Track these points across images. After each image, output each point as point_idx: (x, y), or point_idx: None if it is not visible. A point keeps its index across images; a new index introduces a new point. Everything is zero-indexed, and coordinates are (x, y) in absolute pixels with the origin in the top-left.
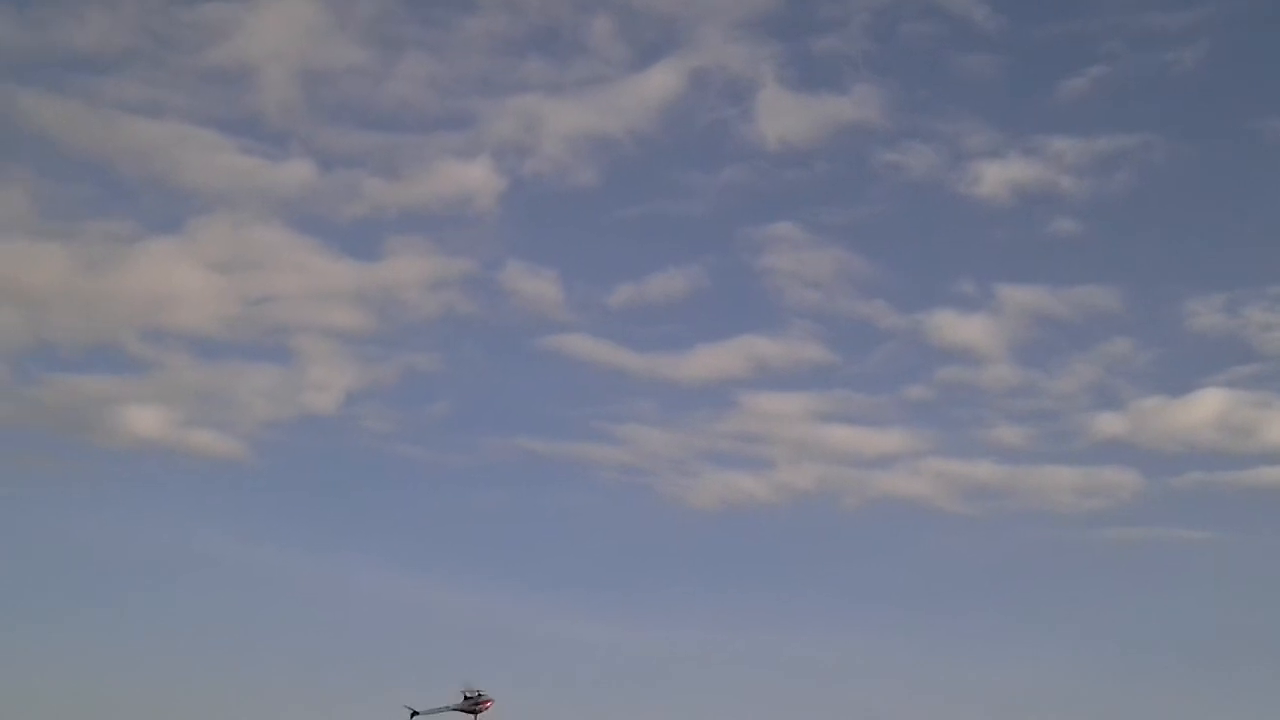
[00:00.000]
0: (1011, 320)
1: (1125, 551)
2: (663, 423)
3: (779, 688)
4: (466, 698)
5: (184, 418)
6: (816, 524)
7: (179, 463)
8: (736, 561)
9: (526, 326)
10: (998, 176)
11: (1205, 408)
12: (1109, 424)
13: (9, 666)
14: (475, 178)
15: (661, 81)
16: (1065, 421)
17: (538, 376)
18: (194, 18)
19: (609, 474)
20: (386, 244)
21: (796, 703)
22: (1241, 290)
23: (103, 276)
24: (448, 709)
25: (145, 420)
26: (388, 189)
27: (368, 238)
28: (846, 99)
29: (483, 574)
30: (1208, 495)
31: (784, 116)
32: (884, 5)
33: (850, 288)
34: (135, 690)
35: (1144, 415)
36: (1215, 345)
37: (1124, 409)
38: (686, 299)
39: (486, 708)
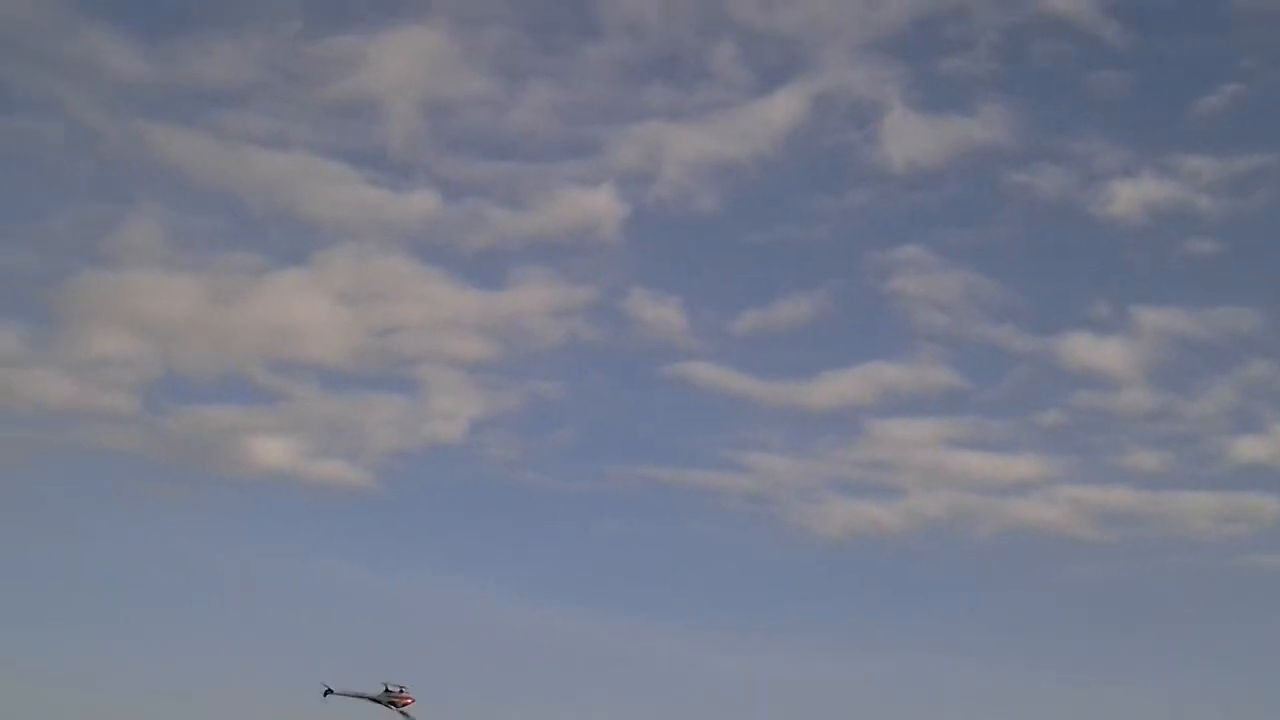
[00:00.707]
0: (1147, 343)
1: (1266, 579)
2: (789, 450)
3: (907, 714)
4: (387, 690)
5: (311, 448)
6: (947, 553)
7: (306, 492)
8: (865, 591)
9: (650, 354)
10: (1131, 196)
11: None
12: (1249, 448)
13: (142, 690)
14: (598, 205)
15: (785, 106)
16: (1203, 446)
17: (662, 404)
18: (320, 51)
19: (734, 502)
20: (510, 273)
21: None
22: None
23: (231, 308)
24: (366, 696)
25: (273, 450)
26: (511, 218)
27: (492, 267)
28: (975, 120)
29: (607, 602)
30: None
31: (911, 139)
32: (1012, 25)
33: (980, 311)
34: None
35: None
36: None
37: (1265, 432)
38: (812, 325)
39: (407, 703)
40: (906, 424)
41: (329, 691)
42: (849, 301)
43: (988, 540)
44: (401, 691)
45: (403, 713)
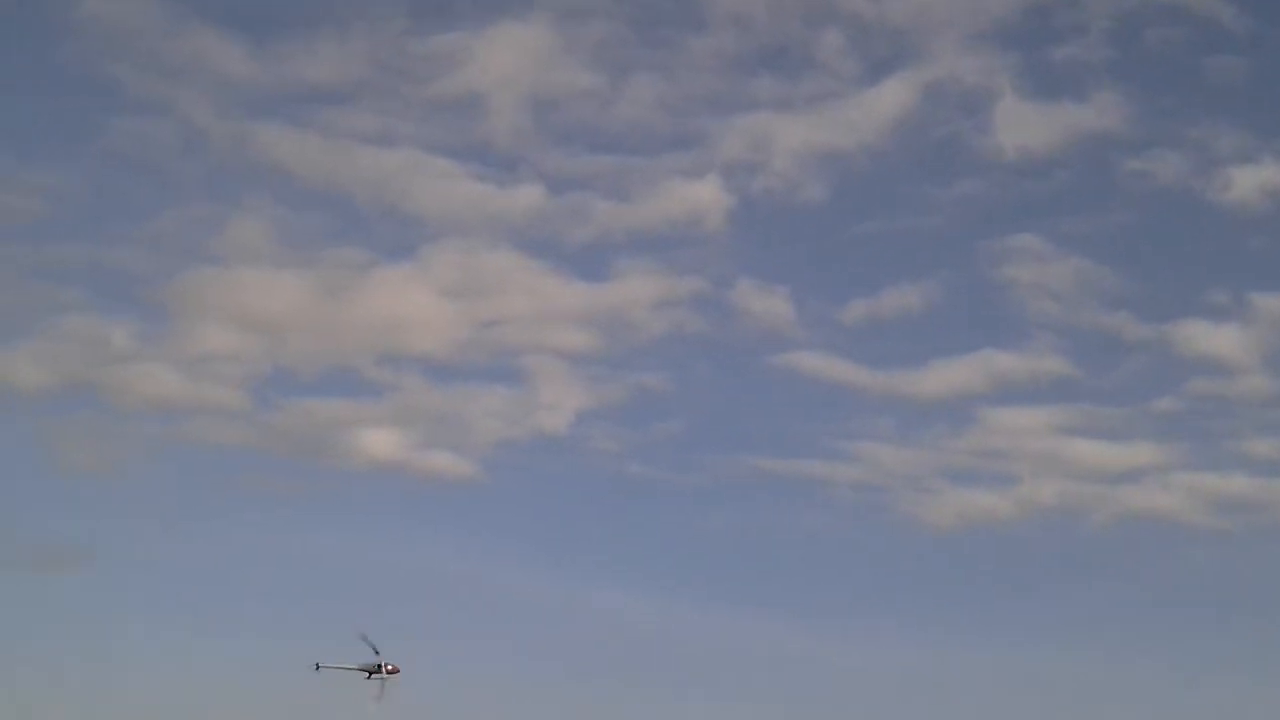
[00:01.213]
0: (1266, 329)
1: None
2: (899, 440)
3: (1023, 708)
4: (376, 651)
5: (418, 439)
6: (1061, 541)
7: (413, 484)
8: (976, 580)
9: (757, 345)
10: (1250, 182)
11: None
12: None
13: (256, 682)
14: (704, 197)
15: (894, 95)
16: None
17: (769, 395)
18: (425, 48)
19: (843, 493)
20: (615, 265)
21: None
22: None
23: (339, 303)
24: (354, 668)
25: (381, 442)
26: (616, 211)
27: (596, 259)
28: (1088, 107)
29: (714, 594)
30: None
31: (1022, 127)
32: (1125, 10)
33: (1094, 299)
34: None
35: None
36: None
37: None
38: (922, 314)
39: (394, 671)
40: (1019, 412)
41: (319, 666)
42: (960, 290)
43: (1102, 529)
44: (390, 665)
45: (382, 680)
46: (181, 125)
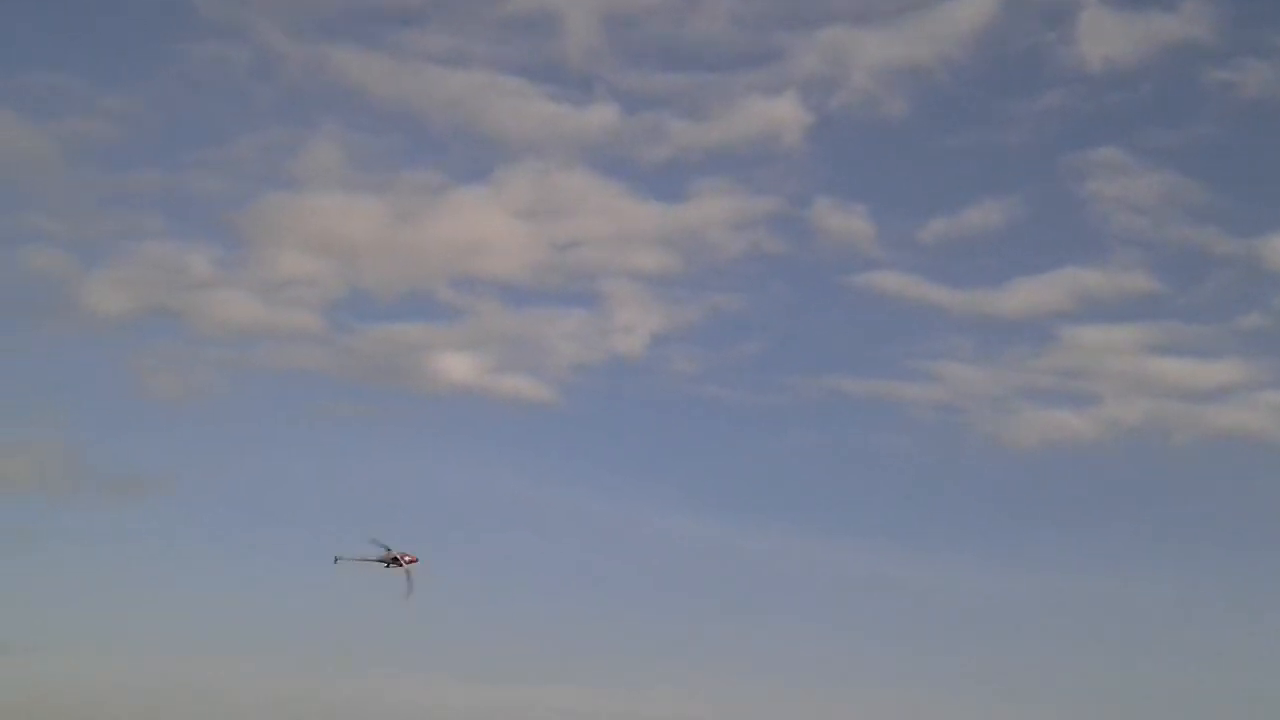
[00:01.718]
0: None
1: None
2: (979, 359)
3: (1104, 630)
4: (389, 550)
5: (494, 363)
6: (1145, 461)
7: (489, 407)
8: (1059, 501)
9: (835, 264)
10: None
11: None
12: None
13: (339, 604)
14: (781, 114)
15: (975, 6)
16: None
17: (848, 314)
18: None
19: (923, 413)
20: (691, 185)
21: (1128, 647)
22: None
23: (413, 226)
24: (370, 559)
25: (457, 366)
26: (692, 129)
27: (672, 179)
28: (1174, 16)
29: (792, 516)
30: None
31: (1107, 37)
32: None
33: (1180, 214)
34: (449, 629)
35: None
36: None
37: None
38: (1004, 231)
39: (412, 561)
40: (1102, 330)
41: (337, 559)
42: (1042, 206)
43: (1186, 447)
44: (405, 555)
45: (407, 571)
46: (255, 49)
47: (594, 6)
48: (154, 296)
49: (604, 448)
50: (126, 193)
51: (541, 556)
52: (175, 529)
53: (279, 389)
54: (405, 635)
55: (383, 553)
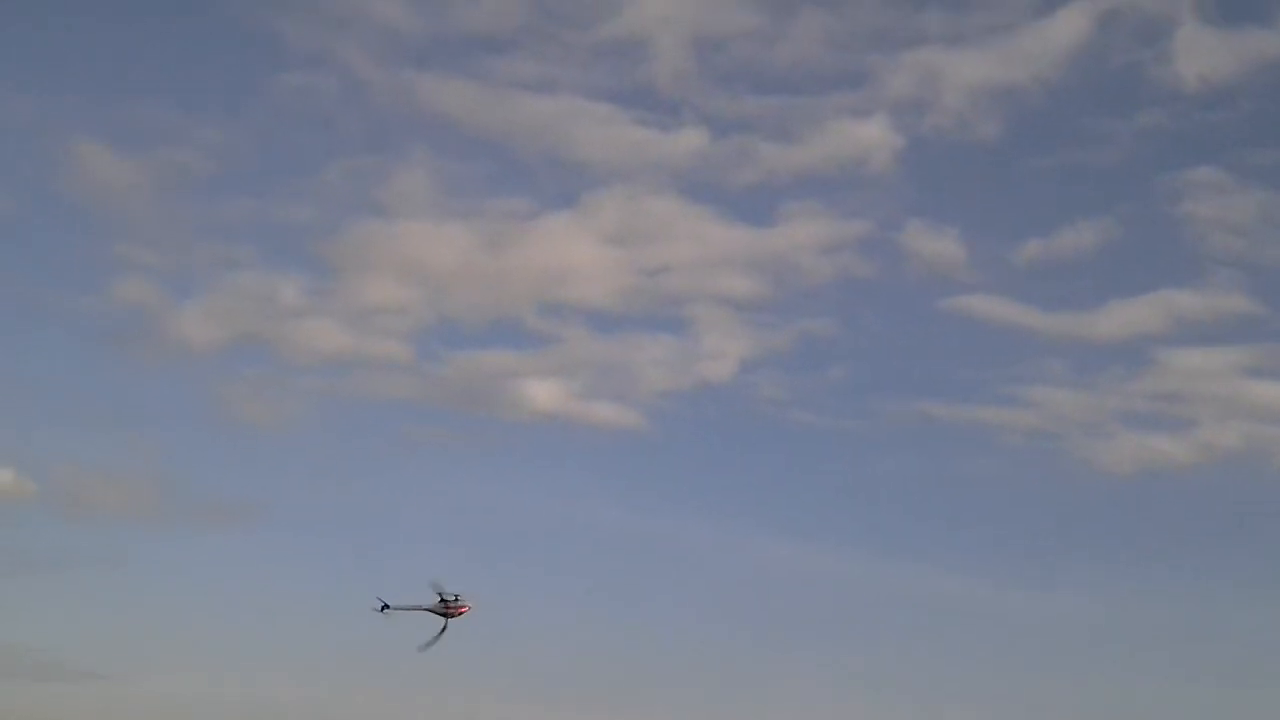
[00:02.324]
0: None
1: None
2: (1073, 383)
3: (1202, 657)
4: (442, 599)
5: (582, 389)
6: (1242, 486)
7: (577, 434)
8: (1154, 526)
9: (926, 288)
10: None
11: None
12: None
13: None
14: (871, 137)
15: (1069, 25)
16: None
17: (939, 339)
18: None
19: (1015, 438)
20: (780, 209)
21: (1233, 675)
22: None
23: (502, 253)
24: (421, 608)
25: (544, 393)
26: (781, 153)
27: (761, 203)
28: (1272, 32)
29: (883, 542)
30: None
31: (1204, 55)
32: None
33: (1278, 234)
34: (556, 660)
35: None
36: None
37: None
38: (1098, 253)
39: (462, 612)
40: (1199, 353)
41: (385, 607)
42: (1138, 227)
43: None
44: (457, 600)
45: (445, 621)
46: (344, 78)
47: (683, 31)
48: (245, 325)
49: (692, 474)
50: (218, 223)
51: (629, 582)
52: (267, 555)
53: (368, 416)
54: (502, 663)
55: (436, 601)
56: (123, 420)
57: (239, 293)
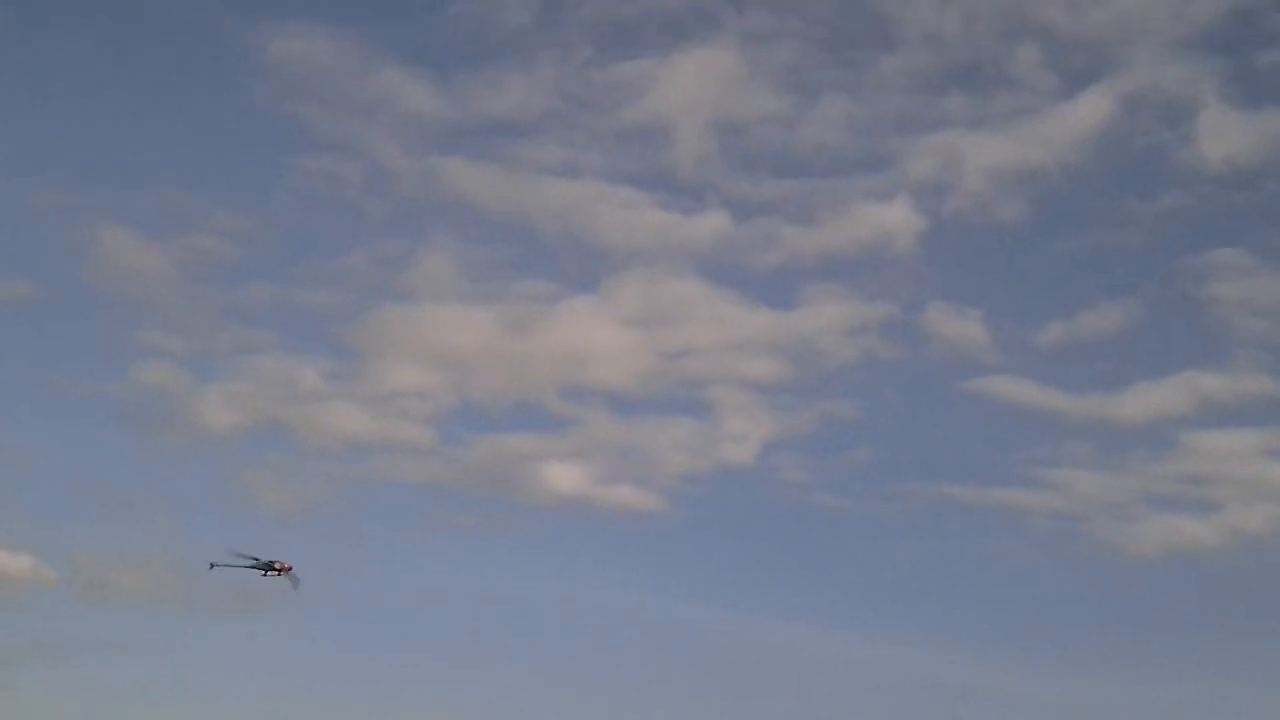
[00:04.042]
0: None
1: None
2: (1097, 466)
3: None
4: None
5: (603, 473)
6: (1270, 568)
7: (598, 517)
8: (1180, 611)
9: (950, 369)
10: None
11: None
12: None
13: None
14: (894, 219)
15: (1092, 108)
16: None
17: (962, 421)
18: (609, 77)
19: (1039, 521)
20: (802, 291)
21: None
22: None
23: (524, 337)
24: (247, 565)
25: (565, 476)
26: (803, 236)
27: (783, 286)
28: None
29: (905, 627)
30: None
31: (1228, 137)
32: None
33: None
34: None
35: None
36: None
37: None
38: (1122, 334)
39: (287, 569)
40: (1225, 435)
41: (213, 565)
42: (1162, 309)
43: None
44: (280, 563)
45: (286, 577)
46: (368, 163)
47: (705, 116)
48: (266, 410)
49: (713, 557)
50: (240, 308)
51: (651, 667)
52: (290, 641)
53: (390, 500)
54: None
55: (256, 561)
56: (144, 504)
57: (260, 377)
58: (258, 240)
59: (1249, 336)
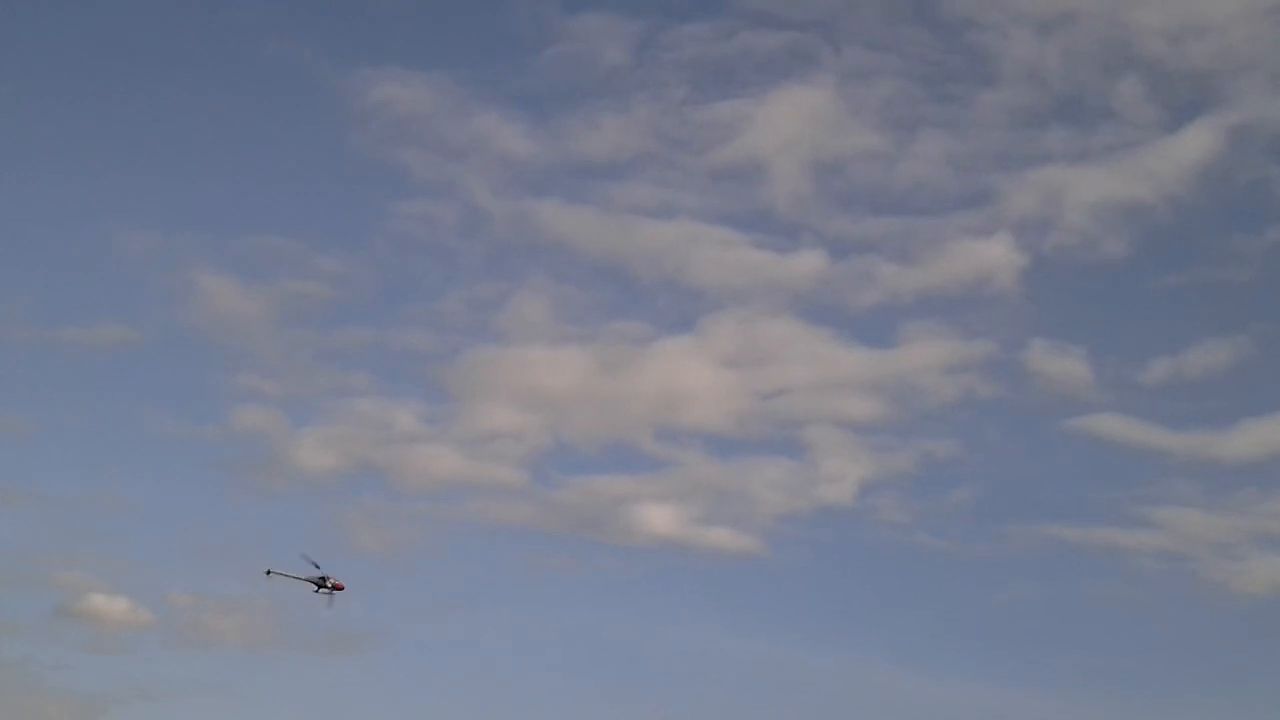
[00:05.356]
0: None
1: None
2: (1205, 505)
3: None
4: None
5: (699, 514)
6: None
7: (694, 559)
8: None
9: (1052, 408)
10: None
11: None
12: None
13: None
14: (994, 256)
15: (1197, 141)
16: None
17: (1065, 460)
18: (705, 117)
19: (1145, 561)
20: (901, 330)
21: None
22: None
23: (618, 378)
24: (302, 578)
25: (661, 518)
26: (902, 274)
27: (882, 325)
28: None
29: (1011, 670)
30: None
31: None
32: None
33: None
34: None
35: None
36: None
37: None
38: (1228, 371)
39: (339, 588)
40: None
41: (269, 572)
42: (1271, 344)
43: None
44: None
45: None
46: (463, 206)
47: (801, 154)
48: (360, 453)
49: (812, 599)
50: (337, 351)
51: (748, 711)
52: (385, 684)
53: (483, 542)
54: None
55: (314, 573)
56: (240, 548)
57: (355, 420)
58: (354, 284)
59: None
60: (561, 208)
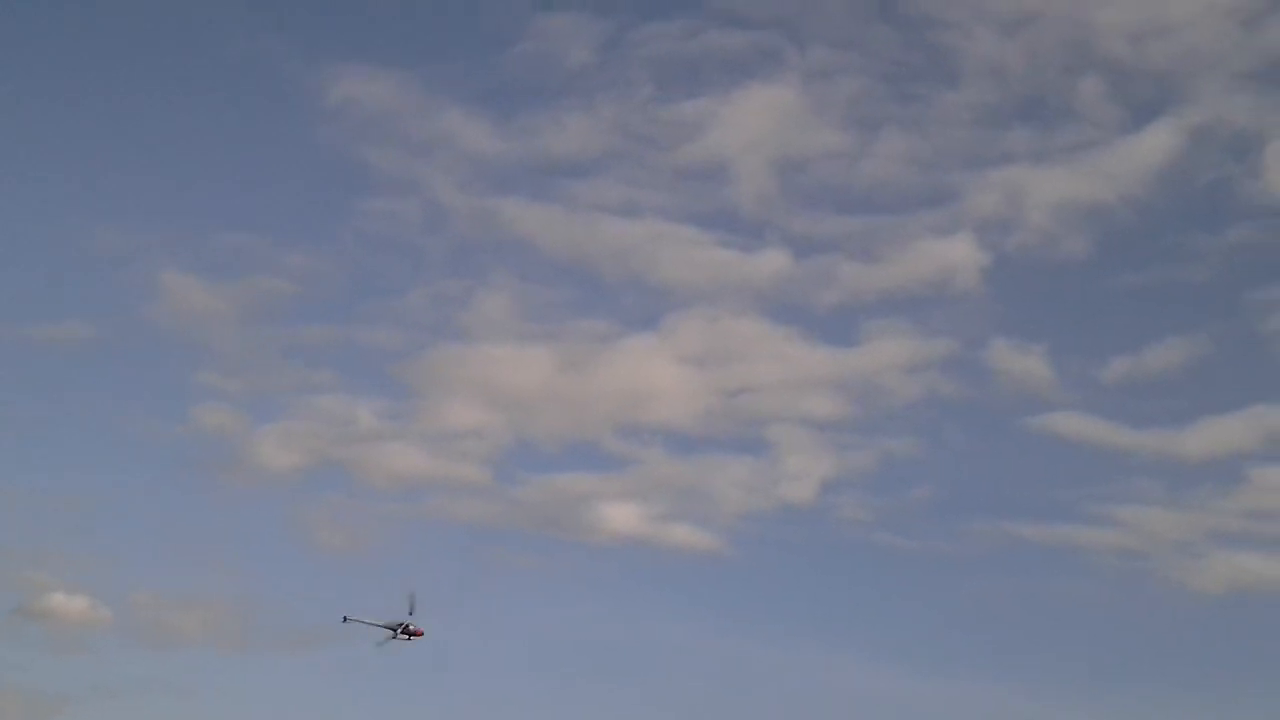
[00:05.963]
0: None
1: None
2: (1164, 503)
3: None
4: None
5: (662, 512)
6: None
7: (658, 557)
8: (1249, 649)
9: (1013, 406)
10: None
11: None
12: None
13: None
14: (956, 255)
15: (1157, 142)
16: None
17: (1025, 458)
18: (670, 116)
19: (1105, 559)
20: (863, 329)
21: None
22: None
23: (582, 375)
24: (379, 624)
25: (624, 516)
26: (864, 273)
27: (844, 323)
28: None
29: (971, 666)
30: None
31: None
32: None
33: None
34: None
35: None
36: None
37: None
38: (1188, 369)
39: (418, 634)
40: None
41: (345, 619)
42: (1228, 344)
43: None
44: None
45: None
46: (428, 203)
47: (766, 153)
48: (324, 450)
49: (774, 597)
50: (299, 348)
51: (709, 706)
52: (348, 682)
53: (446, 539)
54: None
55: (398, 619)
56: (202, 545)
57: (319, 417)
58: (318, 281)
59: None
60: (526, 205)
